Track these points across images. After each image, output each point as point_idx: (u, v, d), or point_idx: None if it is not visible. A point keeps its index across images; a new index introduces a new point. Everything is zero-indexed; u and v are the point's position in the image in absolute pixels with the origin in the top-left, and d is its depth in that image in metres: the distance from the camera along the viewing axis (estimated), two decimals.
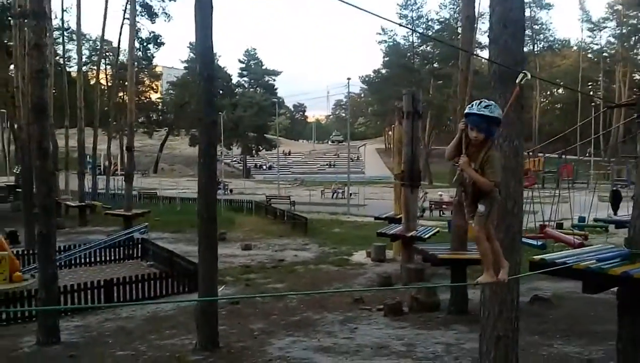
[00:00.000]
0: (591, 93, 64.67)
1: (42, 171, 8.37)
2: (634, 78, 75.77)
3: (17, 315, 10.09)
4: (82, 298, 11.17)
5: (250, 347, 7.99)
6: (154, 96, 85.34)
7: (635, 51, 74.14)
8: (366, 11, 3.50)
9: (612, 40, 74.39)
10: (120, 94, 62.93)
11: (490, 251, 3.92)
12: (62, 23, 33.89)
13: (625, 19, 70.83)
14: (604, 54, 74.95)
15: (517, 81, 3.63)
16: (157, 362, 7.51)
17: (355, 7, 3.35)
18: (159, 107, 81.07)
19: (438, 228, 15.19)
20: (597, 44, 75.89)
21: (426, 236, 13.22)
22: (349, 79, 47.09)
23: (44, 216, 8.32)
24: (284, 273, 14.80)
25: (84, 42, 52.07)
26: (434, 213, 30.35)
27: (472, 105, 3.48)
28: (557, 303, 10.37)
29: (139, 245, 17.28)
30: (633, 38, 72.39)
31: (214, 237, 7.56)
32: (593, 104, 52.89)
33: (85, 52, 55.66)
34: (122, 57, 46.20)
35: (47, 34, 9.22)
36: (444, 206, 30.55)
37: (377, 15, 3.36)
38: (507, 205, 3.87)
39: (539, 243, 11.79)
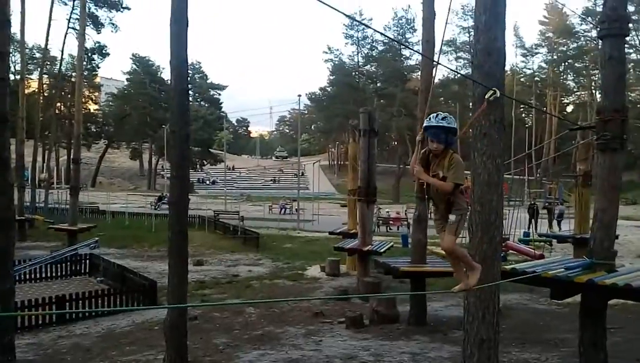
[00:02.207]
0: (558, 114, 67.90)
1: (2, 183, 8.07)
2: (562, 101, 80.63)
3: None
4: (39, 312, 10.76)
5: (219, 361, 7.98)
6: (93, 107, 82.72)
7: (564, 76, 79.06)
8: (335, 9, 3.68)
9: (544, 65, 79.02)
10: (58, 104, 60.73)
11: (466, 254, 4.15)
12: None
13: (555, 46, 75.52)
14: (536, 78, 79.42)
15: (485, 97, 3.92)
16: None
17: (326, 4, 3.34)
18: (99, 119, 78.53)
19: (392, 243, 15.62)
20: (529, 69, 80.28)
21: (382, 250, 13.59)
22: (299, 95, 47.96)
23: (3, 230, 8.01)
24: (240, 289, 14.74)
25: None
26: (380, 229, 31.03)
27: (430, 118, 3.69)
28: (507, 314, 10.92)
29: (87, 261, 16.75)
30: (563, 64, 77.20)
31: (185, 250, 7.54)
32: (527, 126, 55.80)
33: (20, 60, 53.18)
34: (61, 67, 44.70)
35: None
36: (390, 222, 31.35)
37: (360, 22, 3.59)
38: (490, 218, 4.17)
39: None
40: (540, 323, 10.11)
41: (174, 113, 7.32)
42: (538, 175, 58.51)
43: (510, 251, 13.16)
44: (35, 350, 9.42)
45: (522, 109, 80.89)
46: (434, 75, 7.57)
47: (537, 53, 78.65)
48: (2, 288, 8.08)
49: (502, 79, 4.35)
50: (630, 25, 5.52)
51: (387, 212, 33.88)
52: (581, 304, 5.28)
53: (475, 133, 4.27)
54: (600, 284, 4.72)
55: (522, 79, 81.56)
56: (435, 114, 3.69)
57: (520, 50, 79.19)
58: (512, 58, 78.72)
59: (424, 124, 3.70)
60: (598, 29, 5.27)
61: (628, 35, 5.36)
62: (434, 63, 6.90)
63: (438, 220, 3.87)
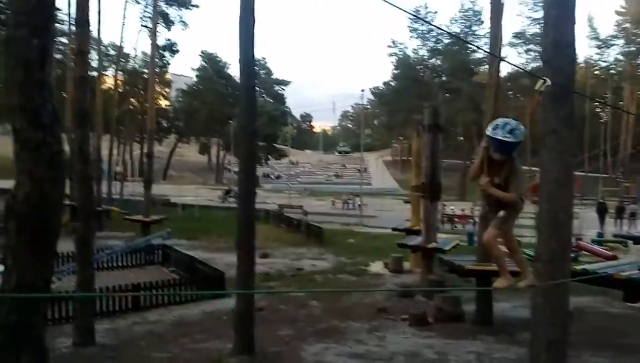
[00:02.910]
0: (632, 111, 64.47)
1: (82, 175, 8.65)
2: None
3: (54, 317, 10.28)
4: (115, 300, 11.43)
5: (284, 353, 8.22)
6: (164, 103, 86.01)
7: None
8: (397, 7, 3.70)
9: (620, 57, 74.60)
10: (131, 100, 63.55)
11: (503, 256, 4.02)
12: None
13: (633, 37, 71.11)
14: (612, 71, 75.14)
15: (536, 88, 3.69)
16: None
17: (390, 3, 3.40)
18: (170, 114, 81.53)
19: (458, 241, 15.39)
20: (605, 62, 76.06)
21: (446, 248, 13.43)
22: (362, 90, 47.60)
23: (84, 220, 8.58)
24: (304, 282, 15.00)
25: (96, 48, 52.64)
26: (445, 226, 30.54)
27: (497, 129, 3.52)
28: (578, 317, 10.54)
29: (160, 251, 17.54)
30: None
31: (252, 242, 7.81)
32: (602, 120, 53.10)
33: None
34: (134, 63, 46.73)
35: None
36: (455, 219, 30.79)
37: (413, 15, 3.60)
38: (559, 216, 4.09)
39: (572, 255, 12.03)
40: (615, 328, 9.67)
41: (242, 110, 7.58)
42: (616, 173, 55.50)
43: (583, 251, 12.64)
44: (113, 335, 10.02)
45: (596, 104, 77.00)
46: (498, 70, 7.44)
47: (613, 45, 74.29)
48: (84, 274, 8.69)
49: (572, 73, 4.23)
50: None
51: (452, 209, 33.25)
52: None
53: (543, 129, 4.18)
54: None
55: (596, 72, 77.40)
56: (502, 124, 3.52)
57: (595, 41, 75.08)
58: (586, 50, 74.68)
59: (489, 134, 3.58)
60: None
61: None
62: (500, 59, 6.74)
63: (494, 218, 3.84)
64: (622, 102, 70.97)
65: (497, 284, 3.86)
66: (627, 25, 71.16)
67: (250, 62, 7.48)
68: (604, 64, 75.91)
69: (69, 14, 26.01)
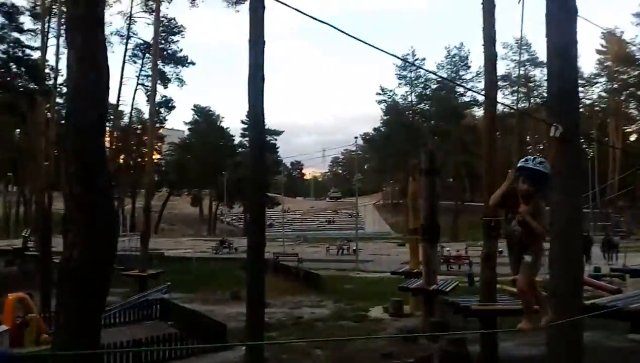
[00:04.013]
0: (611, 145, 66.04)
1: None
2: (625, 131, 77.72)
3: None
4: (117, 357, 11.28)
5: None
6: (156, 157, 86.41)
7: (626, 105, 76.41)
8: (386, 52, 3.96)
9: (604, 94, 76.69)
10: (122, 155, 63.94)
11: (533, 300, 4.20)
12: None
13: (615, 75, 73.38)
14: (596, 108, 77.03)
15: (551, 134, 4.05)
16: None
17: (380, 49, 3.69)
18: (162, 168, 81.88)
19: (457, 282, 15.43)
20: (589, 99, 78.08)
21: (447, 289, 13.47)
22: (356, 137, 49.03)
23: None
24: (305, 330, 14.88)
25: None
26: (440, 268, 30.48)
27: (528, 160, 3.84)
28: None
29: (157, 306, 17.31)
30: (623, 93, 74.74)
31: (262, 292, 7.85)
32: (589, 158, 53.97)
33: None
34: (127, 119, 47.24)
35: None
36: (451, 260, 30.83)
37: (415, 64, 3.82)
38: (571, 254, 4.24)
39: None
40: (617, 361, 9.69)
41: (253, 165, 7.81)
42: (606, 209, 56.06)
43: (587, 286, 12.70)
44: None
45: (582, 140, 78.30)
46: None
47: (596, 83, 76.51)
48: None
49: (577, 119, 4.46)
50: None
51: (448, 250, 33.33)
52: None
53: (555, 172, 4.37)
54: None
55: (581, 110, 79.24)
56: (533, 157, 3.84)
57: (579, 80, 77.12)
58: None
59: (520, 164, 3.87)
60: None
61: None
62: (515, 110, 7.06)
63: (513, 261, 4.00)
64: (607, 138, 72.42)
65: (523, 325, 3.96)
66: (609, 63, 73.49)
67: (260, 119, 7.72)
68: (588, 102, 77.89)
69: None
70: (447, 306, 11.78)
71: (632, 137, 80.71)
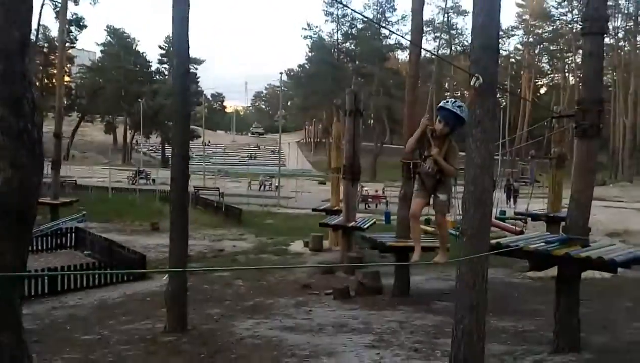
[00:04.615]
0: (532, 99, 69.59)
1: None
2: (536, 83, 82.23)
3: None
4: (31, 283, 11.04)
5: (217, 329, 8.42)
6: (65, 79, 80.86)
7: (539, 59, 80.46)
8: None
9: (519, 47, 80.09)
10: None
11: (420, 234, 4.72)
12: None
13: (532, 29, 76.58)
14: (511, 60, 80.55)
15: (471, 83, 4.39)
16: (129, 343, 7.75)
17: None
18: (72, 91, 76.94)
19: (375, 220, 16.20)
20: (505, 50, 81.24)
21: (365, 226, 14.14)
22: (281, 73, 47.96)
23: None
24: (226, 262, 15.15)
25: None
26: (359, 206, 31.67)
27: (447, 102, 4.17)
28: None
29: (72, 234, 16.88)
30: (538, 47, 78.44)
31: (186, 224, 7.93)
32: (501, 107, 56.83)
33: None
34: (32, 37, 43.52)
35: None
36: (369, 199, 32.04)
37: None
38: (481, 197, 4.67)
39: None
40: (515, 296, 10.82)
41: (177, 94, 7.64)
42: (514, 156, 59.87)
43: (493, 228, 13.90)
44: (32, 320, 9.67)
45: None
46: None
47: (513, 35, 79.66)
48: None
49: (496, 73, 4.79)
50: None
51: (367, 189, 34.54)
52: (558, 274, 5.90)
53: (470, 120, 4.72)
54: (575, 257, 5.34)
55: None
56: (453, 100, 4.16)
57: None
58: None
59: (440, 105, 4.15)
60: (580, 25, 5.76)
61: (607, 34, 5.87)
62: (430, 54, 7.25)
63: (421, 192, 4.39)
64: (519, 90, 76.34)
65: (438, 259, 4.37)
66: (526, 17, 76.43)
67: (184, 47, 7.50)
68: (504, 53, 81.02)
69: None
70: (364, 241, 12.43)
71: (543, 90, 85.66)
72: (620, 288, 10.94)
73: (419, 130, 4.25)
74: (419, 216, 4.31)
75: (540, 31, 76.90)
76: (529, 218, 16.67)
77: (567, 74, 77.75)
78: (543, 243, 5.59)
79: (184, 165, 7.69)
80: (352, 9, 74.16)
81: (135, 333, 8.46)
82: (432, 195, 4.61)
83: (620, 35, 66.00)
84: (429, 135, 4.35)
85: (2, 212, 2.93)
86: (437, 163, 4.14)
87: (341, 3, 60.43)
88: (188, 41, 7.70)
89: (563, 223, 7.03)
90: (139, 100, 61.71)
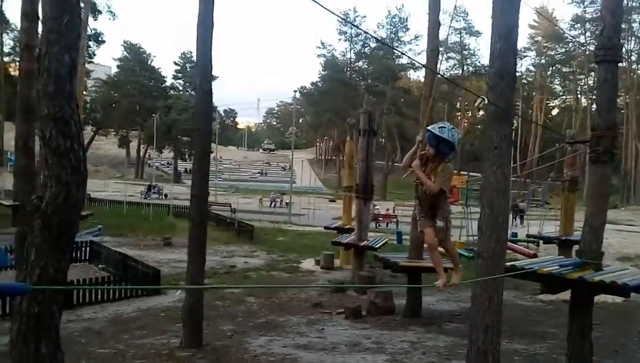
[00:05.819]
0: (543, 125, 69.64)
1: (26, 171, 8.52)
2: (548, 105, 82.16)
3: None
4: None
5: (231, 345, 8.52)
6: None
7: (551, 80, 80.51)
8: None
9: (532, 68, 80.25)
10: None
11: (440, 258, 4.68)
12: None
13: (544, 50, 76.80)
14: (523, 81, 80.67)
15: (475, 105, 4.53)
16: (145, 358, 7.86)
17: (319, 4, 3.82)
18: (87, 104, 77.95)
19: (387, 239, 16.27)
20: (517, 72, 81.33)
21: (377, 246, 14.22)
22: (295, 91, 48.33)
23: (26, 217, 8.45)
24: (238, 279, 15.24)
25: (10, 31, 49.65)
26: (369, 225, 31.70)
27: (433, 126, 4.20)
28: None
29: (86, 248, 17.05)
30: (550, 68, 78.56)
31: (204, 240, 8.06)
32: (513, 128, 56.92)
33: (10, 42, 52.74)
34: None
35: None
36: (380, 218, 32.05)
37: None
38: (498, 220, 4.78)
39: None
40: (527, 318, 10.82)
41: (199, 112, 7.83)
42: (525, 178, 59.72)
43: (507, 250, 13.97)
44: None
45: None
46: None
47: (525, 56, 79.90)
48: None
49: (512, 98, 4.92)
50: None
51: (377, 208, 34.59)
52: (571, 298, 5.97)
53: (487, 145, 4.84)
54: (589, 281, 5.41)
55: None
56: (439, 124, 4.18)
57: None
58: None
59: (429, 128, 4.26)
60: (592, 49, 5.88)
61: (621, 62, 6.01)
62: (439, 75, 7.43)
63: (422, 218, 4.44)
64: (531, 111, 76.42)
65: (439, 284, 4.40)
66: (539, 38, 76.70)
67: (208, 65, 7.72)
68: (517, 74, 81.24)
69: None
70: (377, 261, 12.50)
71: (554, 111, 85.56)
72: (631, 313, 10.93)
73: (414, 148, 4.36)
74: (436, 245, 4.34)
75: (552, 53, 77.13)
76: (541, 241, 16.67)
77: (579, 96, 77.71)
78: (557, 267, 5.67)
79: (203, 181, 7.86)
80: (363, 31, 74.93)
81: (151, 348, 8.57)
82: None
83: (633, 58, 65.98)
84: (424, 158, 4.43)
85: (48, 226, 3.10)
86: (417, 176, 4.22)
87: (354, 25, 61.02)
88: (211, 60, 7.92)
89: (576, 247, 7.09)
90: (153, 114, 62.48)
